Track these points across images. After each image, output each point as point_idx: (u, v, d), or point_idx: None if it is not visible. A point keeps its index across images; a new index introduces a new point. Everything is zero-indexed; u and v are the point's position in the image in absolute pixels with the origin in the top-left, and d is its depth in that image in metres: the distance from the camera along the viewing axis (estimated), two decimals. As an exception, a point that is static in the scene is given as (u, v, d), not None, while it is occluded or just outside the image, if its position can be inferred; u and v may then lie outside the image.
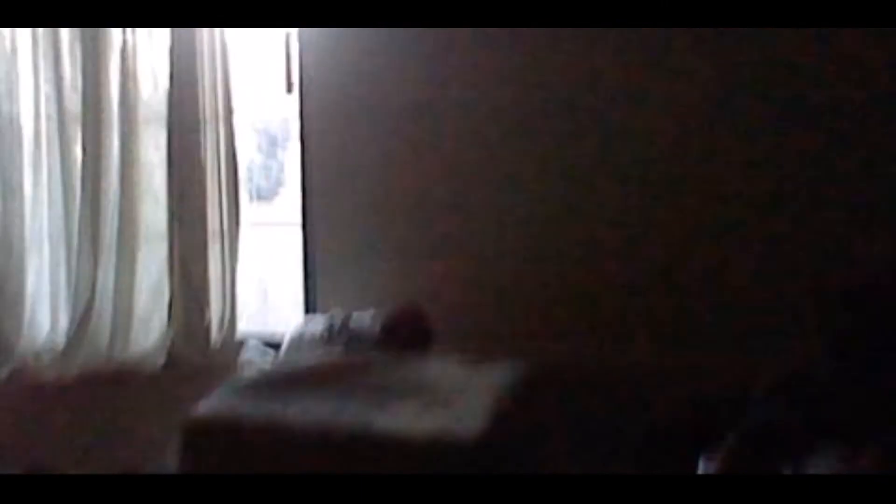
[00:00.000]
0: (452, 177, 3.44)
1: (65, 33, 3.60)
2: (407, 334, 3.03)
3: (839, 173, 3.09)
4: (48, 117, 3.63)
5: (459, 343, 3.06)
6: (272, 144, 3.94)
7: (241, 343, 3.59)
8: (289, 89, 3.63)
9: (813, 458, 1.82)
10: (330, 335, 3.27)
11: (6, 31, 3.62)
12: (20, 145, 3.65)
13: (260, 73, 3.74)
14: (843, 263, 3.06)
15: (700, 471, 1.99)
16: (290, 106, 3.65)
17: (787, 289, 3.09)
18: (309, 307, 3.61)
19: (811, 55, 3.06)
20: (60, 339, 3.63)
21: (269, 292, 3.95)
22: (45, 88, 3.62)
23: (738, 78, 3.15)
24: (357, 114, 3.50)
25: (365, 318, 3.27)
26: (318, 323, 3.33)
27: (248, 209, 3.73)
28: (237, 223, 3.61)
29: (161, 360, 3.59)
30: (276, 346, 3.42)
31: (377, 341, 3.07)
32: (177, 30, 3.48)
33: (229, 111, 3.55)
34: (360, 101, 3.49)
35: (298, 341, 3.31)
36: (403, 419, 2.28)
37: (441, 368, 2.60)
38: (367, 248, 3.54)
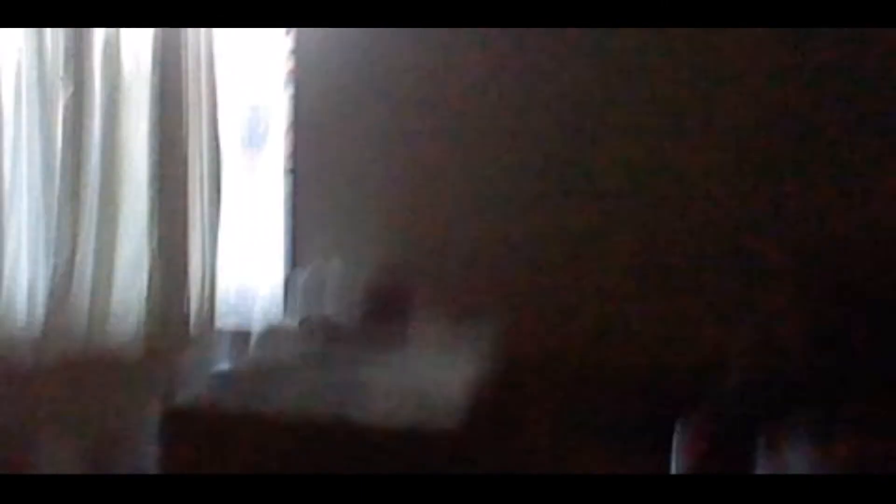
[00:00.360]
0: (445, 151, 3.43)
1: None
2: (386, 305, 3.01)
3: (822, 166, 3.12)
4: (29, 102, 3.57)
5: (439, 309, 3.03)
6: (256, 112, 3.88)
7: (219, 332, 3.56)
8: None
9: (786, 427, 1.82)
10: (305, 328, 3.26)
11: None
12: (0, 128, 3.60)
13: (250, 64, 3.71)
14: (826, 253, 3.09)
15: (675, 436, 1.99)
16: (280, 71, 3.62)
17: (770, 279, 3.11)
18: (295, 260, 3.59)
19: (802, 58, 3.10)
20: (37, 326, 3.58)
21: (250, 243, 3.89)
22: (29, 72, 3.56)
23: (731, 80, 3.18)
24: (348, 70, 3.49)
25: (340, 277, 3.24)
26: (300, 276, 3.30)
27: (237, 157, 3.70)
28: (218, 212, 3.57)
29: (138, 349, 3.56)
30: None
31: (358, 311, 3.05)
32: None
33: (214, 100, 3.51)
34: (354, 65, 3.48)
35: (271, 334, 3.29)
36: (381, 411, 2.27)
37: (420, 363, 2.59)
38: (354, 203, 3.53)
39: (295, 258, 3.60)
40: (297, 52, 3.56)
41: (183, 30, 3.46)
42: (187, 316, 3.53)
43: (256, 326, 3.42)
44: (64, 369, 3.45)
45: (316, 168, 3.59)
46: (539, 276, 3.37)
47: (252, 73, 3.76)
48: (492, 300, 3.32)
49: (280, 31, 3.60)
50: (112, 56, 3.51)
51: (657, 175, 3.29)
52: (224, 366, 2.93)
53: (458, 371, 2.47)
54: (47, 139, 3.57)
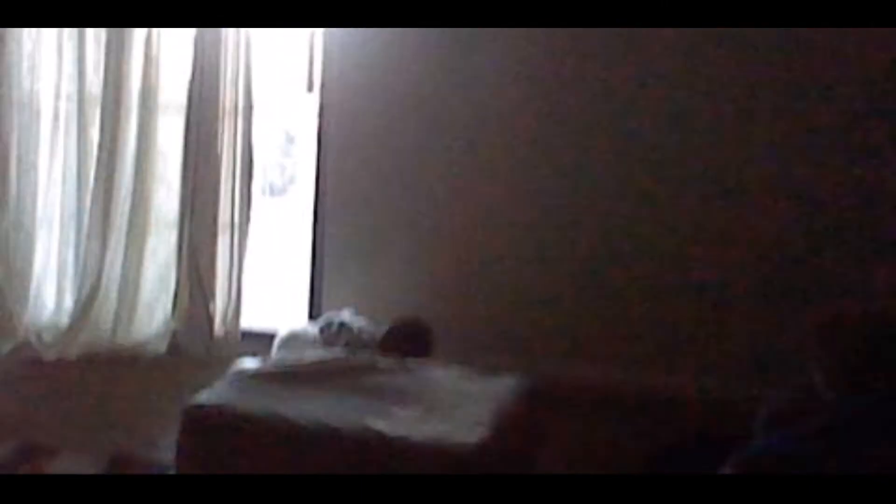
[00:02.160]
0: (467, 185, 3.47)
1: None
2: (407, 345, 3.04)
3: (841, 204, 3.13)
4: (68, 97, 3.63)
5: (459, 354, 3.06)
6: (289, 141, 3.96)
7: (244, 335, 3.61)
8: (309, 88, 3.65)
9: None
10: (327, 334, 3.29)
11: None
12: (38, 123, 3.65)
13: (282, 71, 3.76)
14: (844, 295, 3.10)
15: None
16: (310, 104, 3.67)
17: (788, 320, 3.12)
18: (313, 308, 3.62)
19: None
20: (64, 318, 3.64)
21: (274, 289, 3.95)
22: (68, 69, 3.62)
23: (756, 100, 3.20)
24: (375, 115, 3.53)
25: (361, 322, 3.29)
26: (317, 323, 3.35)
27: (261, 204, 3.74)
28: (248, 217, 3.62)
29: (163, 348, 3.61)
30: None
31: (377, 347, 3.08)
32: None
33: (249, 106, 3.55)
34: (379, 102, 3.51)
35: (292, 338, 3.33)
36: (403, 423, 2.28)
37: (443, 377, 2.60)
38: (375, 252, 3.57)
39: (314, 303, 3.64)
40: (323, 110, 3.60)
41: (223, 34, 3.51)
42: (212, 317, 3.60)
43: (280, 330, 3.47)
44: (89, 364, 3.50)
45: (338, 217, 3.62)
46: (566, 314, 3.41)
47: (278, 124, 3.84)
48: (511, 351, 3.35)
49: (307, 91, 3.66)
50: (149, 72, 3.57)
51: (695, 226, 3.30)
52: (247, 365, 2.96)
53: (480, 383, 2.50)
54: (83, 150, 3.64)
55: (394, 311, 3.28)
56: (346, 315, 3.36)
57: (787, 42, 3.10)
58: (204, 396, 2.44)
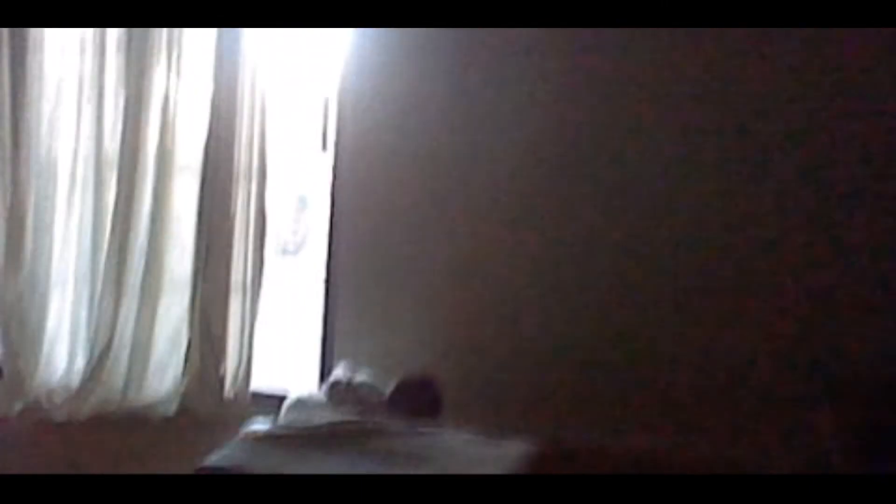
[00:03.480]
0: (479, 247, 3.49)
1: (110, 78, 3.68)
2: (416, 403, 3.04)
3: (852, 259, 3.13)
4: (85, 160, 3.68)
5: (470, 417, 3.05)
6: (302, 202, 3.99)
7: (254, 396, 3.61)
8: (324, 147, 3.69)
9: None
10: (335, 395, 3.28)
11: (54, 72, 3.70)
12: (55, 185, 3.70)
13: (296, 130, 3.81)
14: (857, 358, 3.09)
15: None
16: (324, 165, 3.71)
17: (800, 382, 3.11)
18: (325, 368, 3.62)
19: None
20: (76, 379, 3.64)
21: (284, 350, 3.96)
22: (86, 131, 3.68)
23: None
24: (388, 175, 3.56)
25: (370, 380, 3.29)
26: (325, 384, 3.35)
27: (273, 265, 3.77)
28: (260, 279, 3.64)
29: (173, 408, 3.61)
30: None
31: (386, 407, 3.08)
32: (219, 83, 3.56)
33: (263, 168, 3.60)
34: (393, 163, 3.55)
35: (300, 403, 3.32)
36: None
37: (452, 440, 2.60)
38: (387, 314, 3.58)
39: (325, 364, 3.63)
40: (336, 169, 3.64)
41: (239, 97, 3.57)
42: (223, 378, 3.60)
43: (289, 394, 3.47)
44: (99, 424, 3.50)
45: (350, 278, 3.64)
46: (578, 377, 3.37)
47: (292, 185, 3.89)
48: (524, 410, 3.32)
49: (321, 150, 3.70)
50: (165, 135, 3.62)
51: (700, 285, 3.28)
52: (258, 427, 2.96)
53: (491, 447, 2.50)
54: (98, 211, 3.68)
55: (406, 370, 3.28)
56: (355, 374, 3.35)
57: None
58: (213, 459, 2.44)
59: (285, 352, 3.92)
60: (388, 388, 3.17)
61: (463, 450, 2.52)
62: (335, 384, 3.32)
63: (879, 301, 3.11)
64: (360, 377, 3.35)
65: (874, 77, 3.07)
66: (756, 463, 2.47)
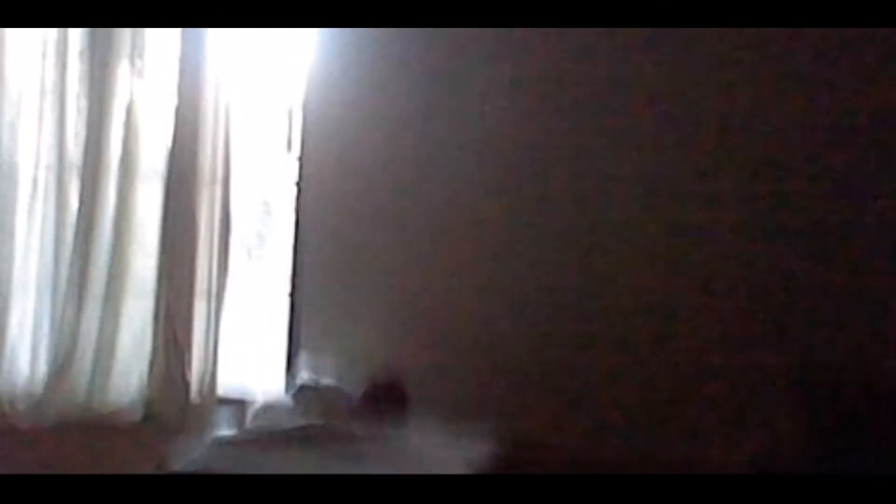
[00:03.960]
0: (444, 247, 3.49)
1: (72, 83, 3.66)
2: (385, 406, 3.04)
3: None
4: (48, 167, 3.66)
5: (437, 412, 3.07)
6: (266, 206, 3.99)
7: (220, 401, 3.60)
8: (288, 147, 3.70)
9: None
10: (301, 399, 3.28)
11: (15, 76, 3.67)
12: (16, 191, 3.67)
13: (261, 134, 3.81)
14: (831, 350, 3.12)
15: None
16: (288, 168, 3.71)
17: (775, 375, 3.14)
18: (291, 372, 3.62)
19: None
20: (39, 385, 3.61)
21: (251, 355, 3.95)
22: (48, 139, 3.66)
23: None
24: (353, 177, 3.57)
25: (336, 385, 3.29)
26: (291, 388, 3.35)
27: (238, 269, 3.77)
28: (225, 284, 3.65)
29: (139, 415, 3.60)
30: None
31: (353, 409, 3.08)
32: (183, 87, 3.56)
33: (228, 173, 3.61)
34: (358, 164, 3.56)
35: (268, 409, 3.31)
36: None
37: (420, 443, 2.62)
38: (353, 315, 3.59)
39: (291, 367, 3.62)
40: (301, 171, 3.66)
41: (203, 102, 3.57)
42: (189, 384, 3.59)
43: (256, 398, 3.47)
44: (63, 431, 3.48)
45: (315, 280, 3.65)
46: (549, 374, 3.38)
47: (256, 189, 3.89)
48: (493, 403, 3.34)
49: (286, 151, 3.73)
50: (129, 141, 3.61)
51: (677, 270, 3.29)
52: (224, 433, 2.96)
53: (459, 450, 2.51)
54: (61, 217, 3.65)
55: (373, 372, 3.29)
56: (321, 378, 3.36)
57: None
58: (180, 464, 2.44)
59: (251, 356, 3.91)
60: (356, 391, 3.17)
61: (431, 453, 2.53)
62: (302, 388, 3.32)
63: (851, 295, 3.14)
64: (327, 381, 3.36)
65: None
66: (719, 460, 2.50)
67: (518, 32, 3.28)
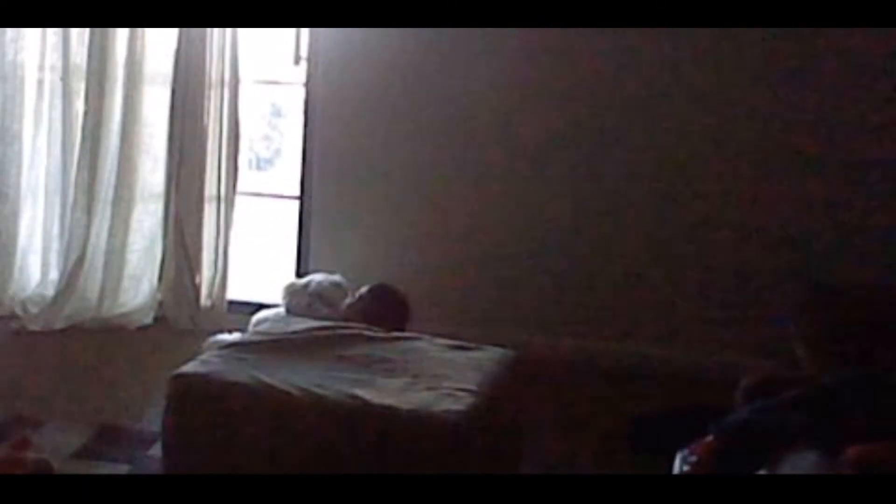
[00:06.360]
0: (454, 157, 3.47)
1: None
2: (385, 308, 3.03)
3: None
4: (52, 68, 3.61)
5: (438, 330, 3.08)
6: (276, 114, 3.95)
7: (230, 305, 3.61)
8: (296, 61, 3.63)
9: (787, 460, 1.85)
10: (292, 294, 3.28)
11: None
12: (22, 93, 3.62)
13: (269, 44, 3.74)
14: (830, 268, 3.14)
15: (675, 466, 2.03)
16: (297, 77, 3.66)
17: (774, 292, 3.15)
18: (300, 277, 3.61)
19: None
20: (50, 289, 3.63)
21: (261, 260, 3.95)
22: (52, 39, 3.60)
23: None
24: (362, 88, 3.52)
25: (337, 280, 3.28)
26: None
27: (247, 178, 3.74)
28: (234, 188, 3.62)
29: (149, 319, 3.62)
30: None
31: (354, 306, 3.07)
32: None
33: (235, 77, 3.54)
34: (366, 75, 3.51)
35: (267, 320, 3.30)
36: (390, 392, 2.29)
37: (427, 346, 2.61)
38: (361, 226, 3.57)
39: (300, 275, 3.59)
40: (310, 82, 3.58)
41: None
42: (198, 287, 3.60)
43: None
44: (74, 335, 3.50)
45: (325, 189, 3.62)
46: (549, 289, 3.43)
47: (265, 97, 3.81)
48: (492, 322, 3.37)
49: (294, 64, 3.64)
50: (134, 43, 3.54)
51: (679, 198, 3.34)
52: (234, 336, 2.96)
53: (466, 353, 2.51)
54: (68, 121, 3.60)
55: (379, 281, 3.29)
56: (314, 276, 3.34)
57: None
58: (190, 366, 2.44)
59: (261, 264, 3.91)
60: (362, 293, 3.15)
61: (438, 355, 2.53)
62: (290, 286, 3.31)
63: (863, 212, 3.15)
64: (334, 280, 3.34)
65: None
66: (730, 371, 2.50)
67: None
